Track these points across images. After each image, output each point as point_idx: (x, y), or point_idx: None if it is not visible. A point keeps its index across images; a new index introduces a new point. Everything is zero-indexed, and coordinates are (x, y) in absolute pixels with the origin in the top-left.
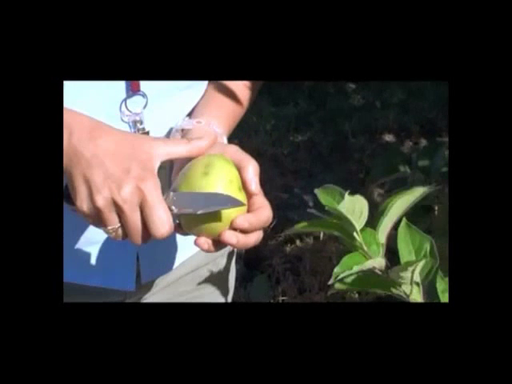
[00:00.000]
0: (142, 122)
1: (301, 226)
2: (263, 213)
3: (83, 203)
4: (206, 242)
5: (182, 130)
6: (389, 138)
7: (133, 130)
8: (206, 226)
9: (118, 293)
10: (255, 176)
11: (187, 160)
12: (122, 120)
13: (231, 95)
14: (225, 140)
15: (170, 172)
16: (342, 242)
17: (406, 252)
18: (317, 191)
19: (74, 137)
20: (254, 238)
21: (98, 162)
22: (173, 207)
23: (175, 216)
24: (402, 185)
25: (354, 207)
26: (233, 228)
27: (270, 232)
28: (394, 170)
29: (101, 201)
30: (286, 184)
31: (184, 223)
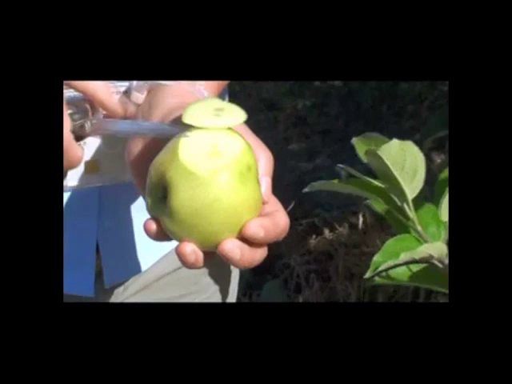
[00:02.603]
0: None
1: (324, 184)
2: (279, 217)
3: None
4: (193, 252)
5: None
6: None
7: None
8: (199, 228)
9: (72, 298)
10: (267, 173)
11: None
12: None
13: None
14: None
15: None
16: (391, 230)
17: None
18: (354, 141)
19: None
20: (260, 254)
21: None
22: (86, 124)
23: (87, 130)
24: None
25: (404, 161)
26: (241, 237)
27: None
28: None
29: None
30: (309, 149)
31: (166, 219)
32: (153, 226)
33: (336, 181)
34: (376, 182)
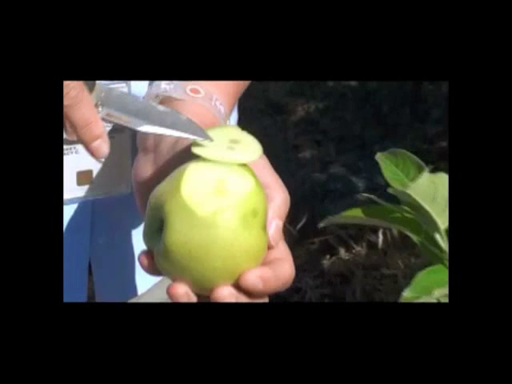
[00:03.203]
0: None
1: (348, 214)
2: (282, 268)
3: None
4: (186, 294)
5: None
6: None
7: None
8: (192, 272)
9: None
10: (279, 216)
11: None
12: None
13: None
14: (230, 122)
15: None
16: (416, 250)
17: None
18: (378, 157)
19: None
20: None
21: None
22: (100, 108)
23: (106, 120)
24: None
25: (435, 193)
26: (237, 285)
27: (298, 235)
28: None
29: None
30: (322, 158)
31: (159, 255)
32: (145, 261)
33: (357, 210)
34: (404, 212)
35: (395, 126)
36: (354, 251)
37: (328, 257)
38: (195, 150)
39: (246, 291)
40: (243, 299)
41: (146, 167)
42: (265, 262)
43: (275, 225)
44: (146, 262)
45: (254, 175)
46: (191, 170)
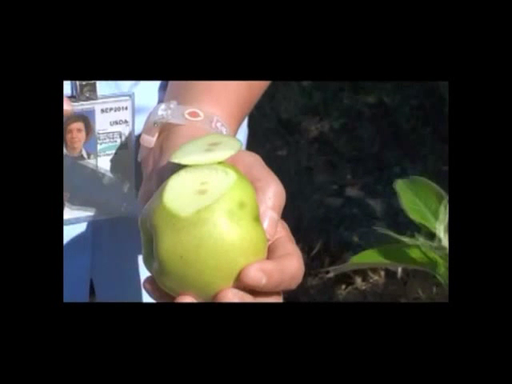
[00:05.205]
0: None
1: (361, 259)
2: (288, 261)
3: None
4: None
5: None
6: None
7: None
8: (188, 279)
9: None
10: (273, 208)
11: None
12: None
13: None
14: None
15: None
16: (437, 279)
17: None
18: (397, 185)
19: None
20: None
21: None
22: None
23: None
24: None
25: None
26: (239, 284)
27: (312, 264)
28: None
29: None
30: (337, 181)
31: (156, 273)
32: (147, 286)
33: (377, 251)
34: (426, 247)
35: (415, 147)
36: (371, 280)
37: (343, 287)
38: (174, 160)
39: (250, 289)
40: (250, 299)
41: (151, 192)
42: (270, 259)
43: (269, 217)
44: (149, 286)
45: (237, 170)
46: (172, 180)
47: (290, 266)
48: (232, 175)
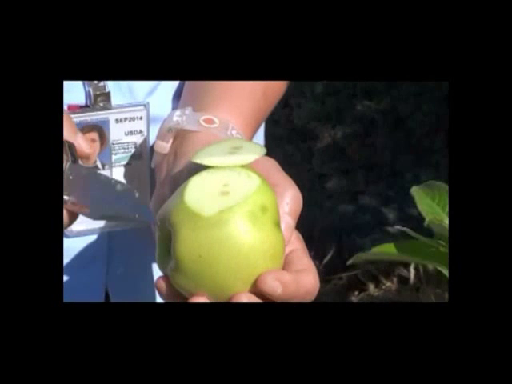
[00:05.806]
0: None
1: (378, 250)
2: (305, 276)
3: None
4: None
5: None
6: None
7: None
8: (205, 279)
9: None
10: (290, 214)
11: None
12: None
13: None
14: None
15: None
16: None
17: None
18: (413, 191)
19: None
20: None
21: None
22: (65, 197)
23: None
24: None
25: None
26: (254, 290)
27: (324, 271)
28: None
29: None
30: (351, 187)
31: (172, 272)
32: (161, 284)
33: (389, 245)
34: (440, 246)
35: (429, 153)
36: (384, 287)
37: (356, 293)
38: (196, 160)
39: (264, 296)
40: None
41: (164, 197)
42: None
43: (285, 222)
44: (162, 285)
45: (259, 174)
46: (194, 181)
47: (307, 281)
48: (255, 179)
